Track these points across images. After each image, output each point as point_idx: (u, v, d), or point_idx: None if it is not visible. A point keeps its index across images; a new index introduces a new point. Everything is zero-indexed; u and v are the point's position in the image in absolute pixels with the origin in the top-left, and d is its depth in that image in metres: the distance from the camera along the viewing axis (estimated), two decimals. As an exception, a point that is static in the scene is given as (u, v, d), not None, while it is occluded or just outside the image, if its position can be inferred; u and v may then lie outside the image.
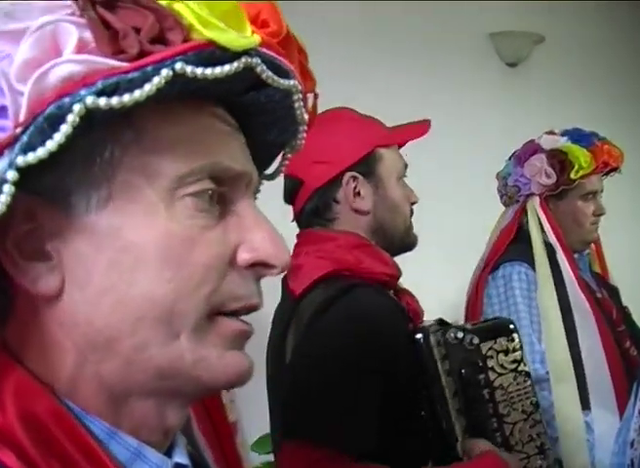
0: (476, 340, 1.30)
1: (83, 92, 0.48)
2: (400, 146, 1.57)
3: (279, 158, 0.69)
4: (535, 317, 2.07)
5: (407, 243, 1.53)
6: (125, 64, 0.50)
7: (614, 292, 2.34)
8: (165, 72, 0.50)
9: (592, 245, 2.36)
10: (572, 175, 2.13)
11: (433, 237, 3.13)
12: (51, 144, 0.48)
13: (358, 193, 1.46)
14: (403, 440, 1.32)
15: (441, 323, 1.38)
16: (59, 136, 0.48)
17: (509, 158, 2.30)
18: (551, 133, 2.25)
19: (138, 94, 0.49)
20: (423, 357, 1.31)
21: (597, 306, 2.11)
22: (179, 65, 0.50)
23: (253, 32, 0.55)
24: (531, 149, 2.21)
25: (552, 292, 2.07)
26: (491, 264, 2.20)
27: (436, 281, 2.93)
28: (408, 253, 1.53)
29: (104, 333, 0.53)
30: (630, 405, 1.21)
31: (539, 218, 2.17)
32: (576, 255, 2.26)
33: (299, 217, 1.51)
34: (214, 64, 0.52)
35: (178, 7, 0.53)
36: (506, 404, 1.33)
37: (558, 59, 3.65)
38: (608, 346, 2.02)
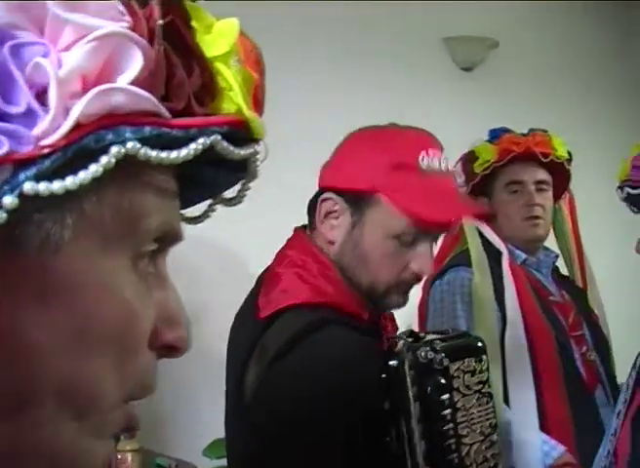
0: (446, 362, 1.26)
1: (128, 133, 0.41)
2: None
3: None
4: (472, 324, 2.05)
5: (380, 305, 1.39)
6: (169, 116, 0.44)
7: (579, 297, 2.32)
8: (202, 141, 0.45)
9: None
10: (475, 169, 2.17)
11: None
12: (71, 182, 0.40)
13: (334, 218, 1.34)
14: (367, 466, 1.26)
15: (411, 334, 1.32)
16: (84, 176, 0.40)
17: None
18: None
19: (175, 155, 0.44)
20: (395, 385, 1.25)
21: (542, 308, 2.10)
22: (214, 138, 0.46)
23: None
24: (459, 158, 2.25)
25: (487, 295, 2.06)
26: (436, 270, 2.17)
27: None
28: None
29: (6, 398, 0.43)
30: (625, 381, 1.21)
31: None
32: (541, 257, 2.26)
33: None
34: (233, 143, 0.47)
35: (221, 67, 0.48)
36: (466, 424, 1.29)
37: (513, 64, 3.67)
38: (545, 349, 2.03)
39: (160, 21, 0.43)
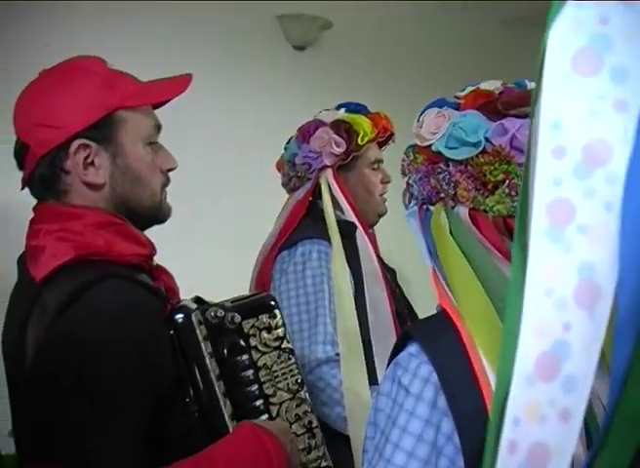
0: (238, 318, 1.23)
1: None
2: (156, 106, 1.40)
3: None
4: (332, 296, 2.03)
5: (159, 217, 1.38)
6: None
7: (392, 273, 2.39)
8: None
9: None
10: (359, 141, 2.15)
11: (222, 228, 3.12)
12: None
13: (92, 163, 1.28)
14: (170, 432, 1.20)
15: (198, 301, 1.28)
16: None
17: (287, 143, 2.28)
18: (326, 110, 2.27)
19: None
20: (185, 339, 1.20)
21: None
22: None
23: None
24: (313, 125, 2.20)
25: (345, 268, 2.04)
26: (283, 240, 2.15)
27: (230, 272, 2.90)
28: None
29: None
30: None
31: (331, 192, 2.15)
32: None
33: (29, 184, 1.33)
34: None
35: None
36: (271, 383, 1.27)
37: (345, 45, 3.72)
38: (394, 319, 2.05)
39: None
